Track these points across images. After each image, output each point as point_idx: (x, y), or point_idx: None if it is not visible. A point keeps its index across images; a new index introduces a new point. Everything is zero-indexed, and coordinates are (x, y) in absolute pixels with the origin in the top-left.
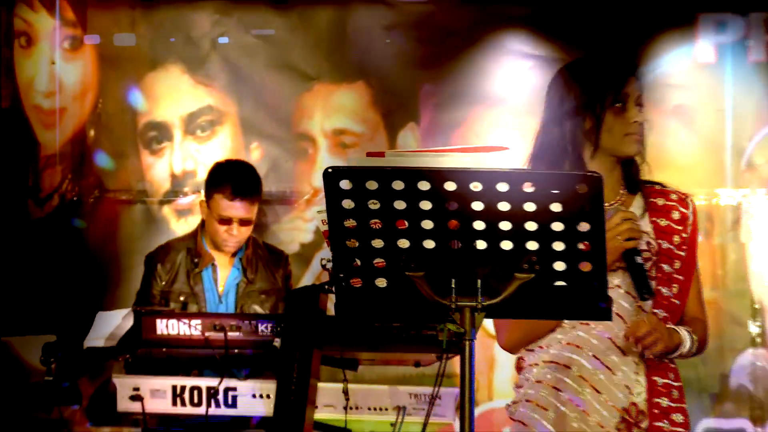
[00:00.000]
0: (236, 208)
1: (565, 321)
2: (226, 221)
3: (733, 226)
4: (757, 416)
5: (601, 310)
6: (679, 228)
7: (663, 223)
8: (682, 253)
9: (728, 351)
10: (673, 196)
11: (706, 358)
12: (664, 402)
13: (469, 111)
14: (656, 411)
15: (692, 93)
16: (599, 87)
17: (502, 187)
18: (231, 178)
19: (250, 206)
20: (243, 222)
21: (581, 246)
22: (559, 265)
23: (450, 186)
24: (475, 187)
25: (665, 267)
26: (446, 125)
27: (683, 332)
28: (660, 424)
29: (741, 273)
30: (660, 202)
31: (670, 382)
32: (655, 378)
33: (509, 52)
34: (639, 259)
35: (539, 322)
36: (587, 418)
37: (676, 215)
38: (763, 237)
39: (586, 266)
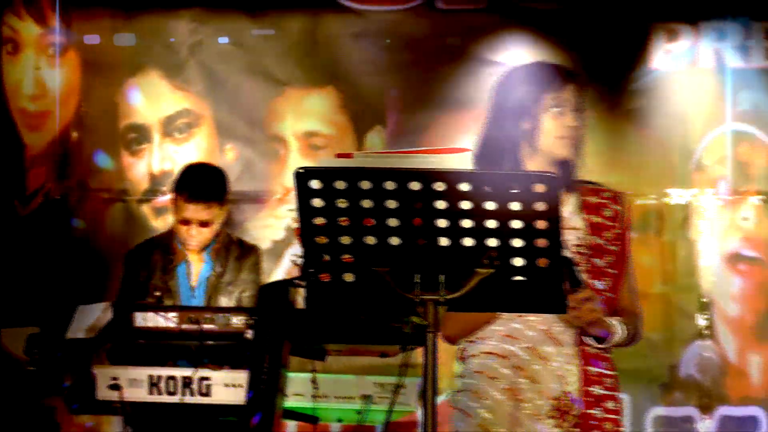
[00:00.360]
0: (194, 211)
1: (503, 313)
2: (186, 222)
3: (683, 224)
4: (704, 404)
5: (557, 303)
6: (611, 224)
7: (596, 219)
8: (615, 248)
9: (677, 342)
10: (606, 194)
11: (656, 349)
12: (597, 390)
13: (434, 115)
14: (590, 399)
15: (645, 97)
16: (540, 91)
17: (464, 187)
18: (190, 182)
19: (208, 209)
20: (202, 223)
21: (538, 243)
22: (518, 261)
23: (415, 186)
24: (439, 186)
25: (597, 261)
26: (412, 128)
27: (614, 322)
28: (593, 411)
29: (690, 269)
30: (593, 200)
31: (603, 371)
32: (588, 367)
33: (472, 59)
34: (565, 252)
35: (477, 315)
36: (522, 406)
37: (608, 212)
38: (710, 235)
39: (543, 262)
